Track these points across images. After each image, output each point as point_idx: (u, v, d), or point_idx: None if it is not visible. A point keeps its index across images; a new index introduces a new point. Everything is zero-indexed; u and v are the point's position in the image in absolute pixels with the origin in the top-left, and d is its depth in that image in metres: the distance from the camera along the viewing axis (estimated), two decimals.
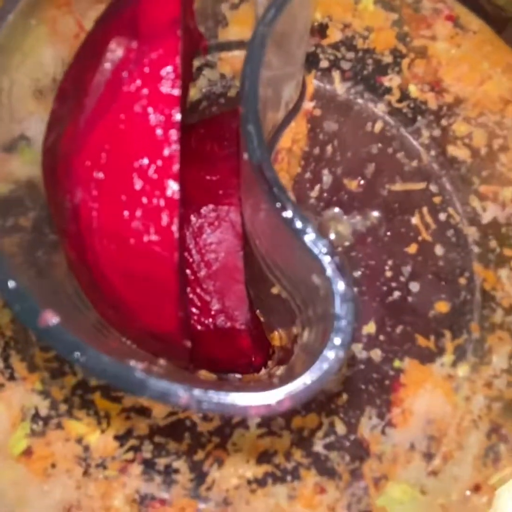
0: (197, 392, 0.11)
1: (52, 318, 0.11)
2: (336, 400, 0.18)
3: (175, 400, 0.10)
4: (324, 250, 0.12)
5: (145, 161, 0.12)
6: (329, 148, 0.22)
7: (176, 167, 0.12)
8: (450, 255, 0.20)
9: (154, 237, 0.12)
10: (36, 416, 0.18)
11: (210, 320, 0.19)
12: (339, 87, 0.23)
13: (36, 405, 0.18)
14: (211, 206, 0.19)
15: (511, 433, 0.18)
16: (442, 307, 0.20)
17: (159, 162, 0.12)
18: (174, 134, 0.12)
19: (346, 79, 0.23)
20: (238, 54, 0.24)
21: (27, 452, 0.18)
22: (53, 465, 0.18)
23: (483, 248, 0.21)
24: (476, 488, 0.18)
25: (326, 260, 0.12)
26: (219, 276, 0.19)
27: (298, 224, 0.12)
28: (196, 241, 0.19)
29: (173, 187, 0.12)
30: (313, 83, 0.23)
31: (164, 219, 0.12)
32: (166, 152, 0.12)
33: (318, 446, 0.18)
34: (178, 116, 0.12)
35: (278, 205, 0.12)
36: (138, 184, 0.12)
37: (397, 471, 0.18)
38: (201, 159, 0.20)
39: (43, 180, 0.15)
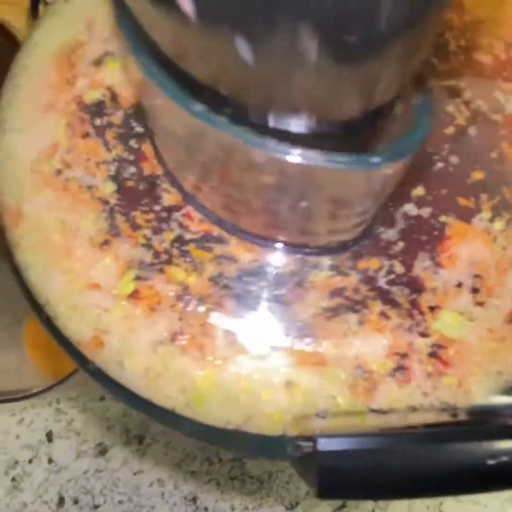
0: None
1: None
2: (394, 247, 0.21)
3: None
4: None
5: None
6: None
7: None
8: (482, 135, 0.24)
9: None
10: (140, 264, 0.21)
11: None
12: None
13: (140, 256, 0.21)
14: None
15: None
16: (478, 175, 0.23)
17: None
18: None
19: None
20: None
21: (134, 294, 0.21)
22: (158, 302, 0.21)
23: (508, 130, 0.24)
24: None
25: None
26: None
27: None
28: None
29: None
30: None
31: None
32: None
33: (381, 283, 0.21)
34: None
35: None
36: None
37: (449, 302, 0.21)
38: None
39: None
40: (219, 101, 0.14)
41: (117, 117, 0.24)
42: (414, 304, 0.20)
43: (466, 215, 0.22)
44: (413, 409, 0.19)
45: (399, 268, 0.21)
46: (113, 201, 0.22)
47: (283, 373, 0.20)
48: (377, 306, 0.20)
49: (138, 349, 0.20)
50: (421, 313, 0.20)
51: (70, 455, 0.39)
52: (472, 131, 0.23)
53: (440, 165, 0.23)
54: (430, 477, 0.19)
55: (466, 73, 0.25)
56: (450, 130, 0.23)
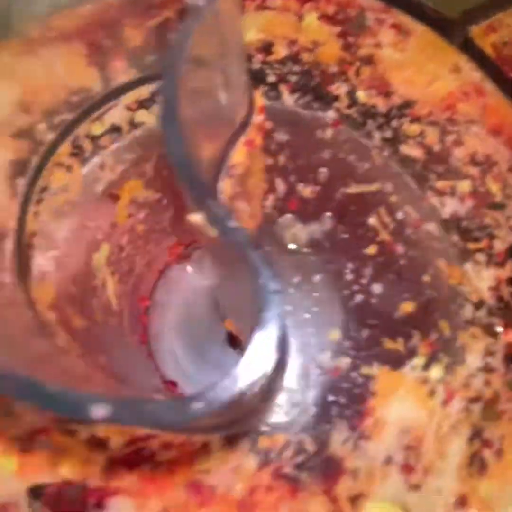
0: (112, 402, 0.10)
1: None
2: (304, 415, 0.17)
3: (88, 413, 0.10)
4: (246, 241, 0.11)
5: None
6: (281, 158, 0.21)
7: None
8: (411, 253, 0.20)
9: None
10: None
11: None
12: (288, 99, 0.23)
13: None
14: None
15: (495, 437, 0.17)
16: (407, 307, 0.19)
17: None
18: None
19: (294, 91, 0.23)
20: None
21: None
22: None
23: (445, 243, 0.20)
24: (463, 501, 0.16)
25: (249, 251, 0.11)
26: None
27: (217, 215, 0.11)
28: None
29: None
30: (261, 98, 0.23)
31: None
32: None
33: (288, 467, 0.17)
34: None
35: (199, 202, 0.12)
36: None
37: (375, 488, 0.16)
38: None
39: None
40: None
41: None
42: (330, 495, 0.16)
43: (395, 363, 0.18)
44: None
45: (310, 445, 0.17)
46: None
47: None
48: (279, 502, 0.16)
49: None
50: (340, 507, 0.16)
51: None
52: (399, 248, 0.19)
53: (359, 297, 0.19)
54: None
55: (391, 173, 0.21)
56: (372, 249, 0.19)
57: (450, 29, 0.25)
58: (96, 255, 0.26)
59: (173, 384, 0.30)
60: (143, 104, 0.24)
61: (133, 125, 0.24)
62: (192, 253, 0.34)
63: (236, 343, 0.30)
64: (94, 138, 0.23)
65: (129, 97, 0.23)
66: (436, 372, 0.17)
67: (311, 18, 0.25)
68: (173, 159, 0.12)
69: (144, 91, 0.23)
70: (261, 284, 0.10)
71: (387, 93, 0.22)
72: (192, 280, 0.34)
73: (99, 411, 0.09)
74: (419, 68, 0.23)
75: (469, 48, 0.25)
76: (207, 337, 0.31)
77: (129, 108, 0.24)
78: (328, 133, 0.21)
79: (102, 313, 0.27)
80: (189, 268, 0.35)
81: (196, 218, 0.12)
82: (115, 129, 0.23)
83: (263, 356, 0.10)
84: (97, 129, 0.23)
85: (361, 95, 0.22)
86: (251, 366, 0.10)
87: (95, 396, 0.10)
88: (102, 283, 0.27)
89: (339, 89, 0.22)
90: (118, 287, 0.29)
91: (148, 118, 0.24)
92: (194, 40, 0.14)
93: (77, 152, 0.23)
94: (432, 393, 0.17)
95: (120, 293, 0.29)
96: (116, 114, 0.23)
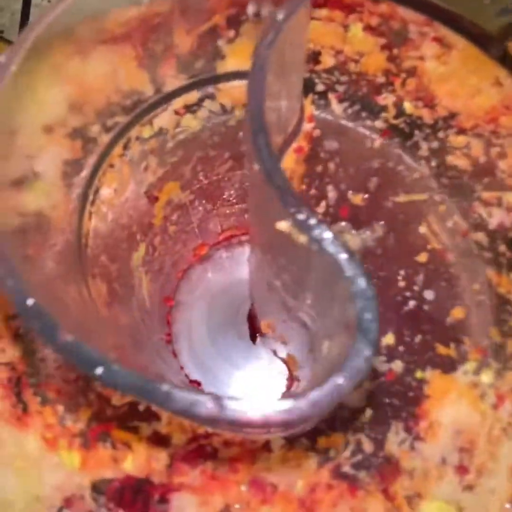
0: (224, 400, 0.10)
1: (68, 335, 0.10)
2: (361, 417, 0.18)
3: (201, 410, 0.10)
4: (341, 249, 0.12)
5: None
6: (331, 166, 0.22)
7: None
8: (461, 261, 0.20)
9: None
10: None
11: None
12: (336, 108, 0.23)
13: None
14: None
15: None
16: (458, 313, 0.19)
17: None
18: None
19: (342, 100, 0.23)
20: (236, 85, 0.25)
21: None
22: None
23: (493, 253, 0.20)
24: None
25: (344, 259, 0.12)
26: None
27: (313, 226, 0.12)
28: None
29: None
30: (310, 106, 0.24)
31: None
32: None
33: (346, 466, 0.17)
34: None
35: (292, 210, 0.12)
36: None
37: (431, 488, 0.17)
38: None
39: None
40: None
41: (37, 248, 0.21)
42: (387, 493, 0.17)
43: (447, 367, 0.18)
44: None
45: (367, 445, 0.17)
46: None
47: None
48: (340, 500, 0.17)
49: None
50: (397, 505, 0.16)
51: None
52: (449, 256, 0.20)
53: (412, 303, 0.19)
54: None
55: (439, 183, 0.21)
56: (423, 256, 0.20)
57: (489, 44, 0.26)
58: (136, 254, 0.27)
59: (198, 383, 0.31)
60: (190, 109, 0.24)
61: (178, 128, 0.24)
62: (213, 254, 0.34)
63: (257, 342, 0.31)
64: (142, 141, 0.24)
65: (178, 102, 0.24)
66: (486, 377, 0.18)
67: (356, 29, 0.25)
68: (264, 169, 0.12)
69: (192, 96, 0.24)
70: (358, 290, 0.11)
71: (432, 105, 0.23)
72: (213, 280, 0.34)
73: (206, 408, 0.10)
74: (462, 81, 0.24)
75: (507, 62, 0.25)
76: (228, 337, 0.32)
77: (177, 113, 0.24)
78: (377, 142, 0.22)
79: (139, 311, 0.27)
80: (210, 269, 0.35)
81: (284, 225, 0.13)
82: (161, 133, 0.24)
83: (364, 359, 0.10)
84: (146, 132, 0.24)
85: (407, 106, 0.23)
86: (356, 367, 0.10)
87: (203, 394, 0.10)
88: (138, 282, 0.27)
89: (386, 99, 0.23)
90: (150, 286, 0.29)
91: (193, 122, 0.25)
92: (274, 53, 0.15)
93: (127, 154, 0.23)
94: (483, 397, 0.18)
95: (152, 292, 0.29)
96: (165, 118, 0.24)
